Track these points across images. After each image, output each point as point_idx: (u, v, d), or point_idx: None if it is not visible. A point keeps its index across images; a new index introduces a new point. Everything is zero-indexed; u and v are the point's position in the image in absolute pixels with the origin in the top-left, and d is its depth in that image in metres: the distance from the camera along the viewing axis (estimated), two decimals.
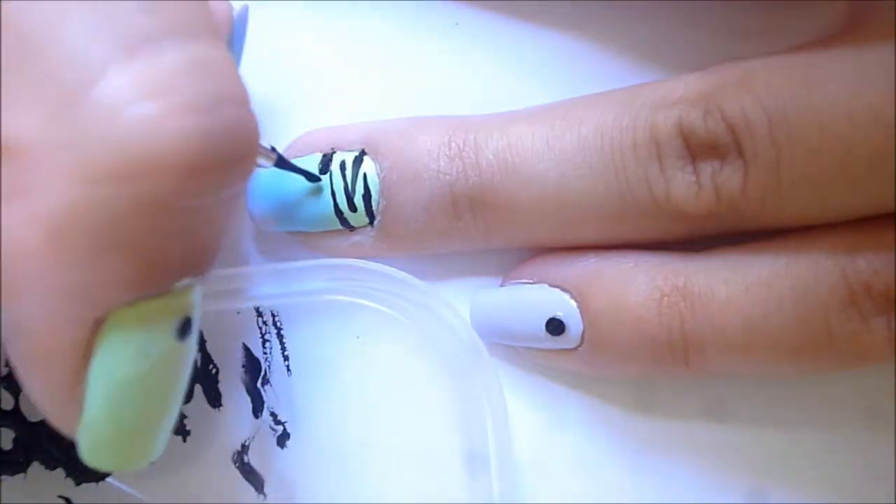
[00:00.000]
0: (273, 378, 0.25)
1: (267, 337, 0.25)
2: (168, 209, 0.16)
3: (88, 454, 0.18)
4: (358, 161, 0.24)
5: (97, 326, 0.16)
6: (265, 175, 0.24)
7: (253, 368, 0.25)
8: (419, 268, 0.25)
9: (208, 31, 0.17)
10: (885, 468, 0.24)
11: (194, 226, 0.17)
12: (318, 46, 0.26)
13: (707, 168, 0.21)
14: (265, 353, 0.25)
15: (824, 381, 0.24)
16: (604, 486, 0.25)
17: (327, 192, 0.24)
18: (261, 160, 0.23)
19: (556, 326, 0.23)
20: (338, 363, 0.25)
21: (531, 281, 0.24)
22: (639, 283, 0.22)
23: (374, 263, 0.24)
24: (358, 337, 0.25)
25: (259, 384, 0.25)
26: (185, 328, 0.18)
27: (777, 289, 0.21)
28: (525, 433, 0.25)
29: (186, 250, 0.17)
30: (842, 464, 0.24)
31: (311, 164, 0.24)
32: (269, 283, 0.25)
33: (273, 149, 0.23)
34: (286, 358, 0.25)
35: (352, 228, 0.24)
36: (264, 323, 0.25)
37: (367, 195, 0.24)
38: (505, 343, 0.25)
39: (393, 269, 0.24)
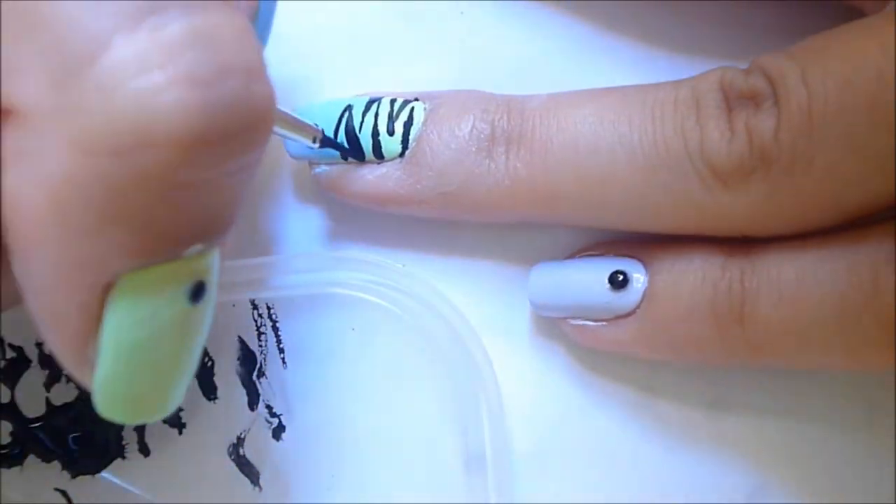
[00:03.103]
0: (269, 371, 0.25)
1: (262, 329, 0.25)
2: (169, 181, 0.16)
3: (102, 408, 0.18)
4: (408, 101, 0.24)
5: (106, 291, 0.17)
6: (306, 107, 0.25)
7: (248, 361, 0.25)
8: (418, 262, 0.25)
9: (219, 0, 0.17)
10: (886, 463, 0.24)
11: (201, 196, 0.17)
12: (320, 36, 0.26)
13: (742, 115, 0.21)
14: (261, 346, 0.25)
15: (825, 375, 0.24)
16: (602, 484, 0.25)
17: (370, 115, 0.24)
18: (307, 139, 0.23)
19: (619, 281, 0.23)
20: (334, 356, 0.25)
21: (594, 253, 0.24)
22: (704, 247, 0.23)
23: (372, 256, 0.24)
24: (354, 329, 0.25)
25: (255, 377, 0.25)
26: (197, 292, 0.18)
27: (829, 247, 0.21)
28: (522, 429, 0.25)
29: (194, 219, 0.17)
30: (842, 458, 0.24)
31: (359, 101, 0.24)
32: (265, 275, 0.25)
33: (322, 131, 0.23)
34: (282, 350, 0.25)
35: (381, 160, 0.24)
36: (260, 315, 0.25)
37: (408, 123, 0.24)
38: (560, 315, 0.24)
39: (390, 261, 0.24)
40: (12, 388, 0.25)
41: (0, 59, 0.16)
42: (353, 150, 0.24)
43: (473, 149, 0.23)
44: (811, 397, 0.24)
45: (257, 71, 0.17)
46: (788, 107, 0.20)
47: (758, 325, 0.22)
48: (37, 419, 0.25)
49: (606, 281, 0.23)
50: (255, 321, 0.25)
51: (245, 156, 0.17)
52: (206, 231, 0.17)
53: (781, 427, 0.24)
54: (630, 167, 0.22)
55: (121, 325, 0.17)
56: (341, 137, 0.24)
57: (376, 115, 0.24)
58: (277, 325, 0.25)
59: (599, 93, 0.23)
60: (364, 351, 0.25)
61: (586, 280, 0.23)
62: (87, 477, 0.25)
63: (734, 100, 0.21)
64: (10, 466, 0.25)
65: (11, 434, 0.25)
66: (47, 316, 0.17)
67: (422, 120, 0.24)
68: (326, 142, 0.24)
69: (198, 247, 0.17)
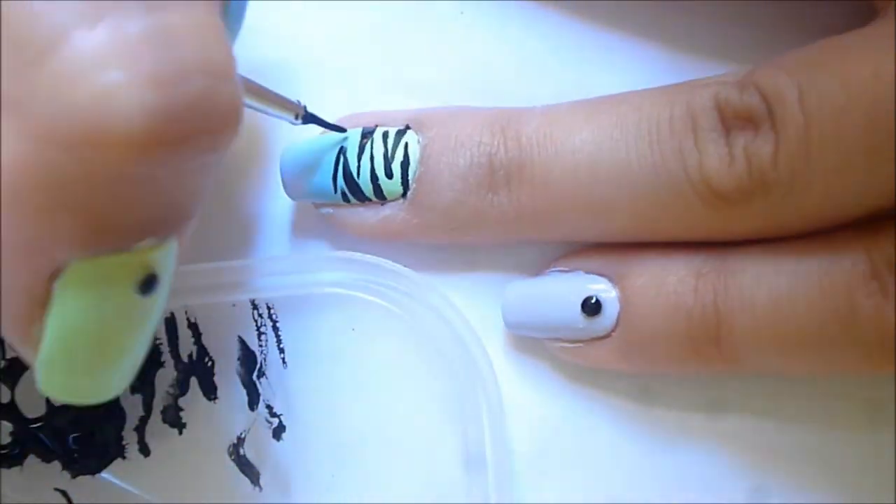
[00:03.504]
0: (269, 371, 0.25)
1: (262, 329, 0.25)
2: (120, 178, 0.16)
3: (42, 386, 0.18)
4: (401, 133, 0.24)
5: (54, 277, 0.17)
6: (298, 147, 0.24)
7: (248, 361, 0.25)
8: (418, 262, 0.25)
9: None
10: (886, 463, 0.24)
11: (155, 191, 0.17)
12: (319, 35, 0.26)
13: (740, 139, 0.21)
14: (261, 346, 0.25)
15: (824, 375, 0.24)
16: (603, 484, 0.25)
17: (366, 159, 0.24)
18: (290, 116, 0.23)
19: (592, 306, 0.23)
20: (334, 356, 0.25)
21: (565, 269, 0.24)
22: (677, 263, 0.23)
23: (371, 256, 0.24)
24: (354, 329, 0.25)
25: (255, 377, 0.25)
26: (147, 284, 0.18)
27: (805, 265, 0.21)
28: (522, 429, 0.25)
29: (147, 213, 0.17)
30: (842, 458, 0.24)
31: (352, 142, 0.24)
32: (265, 275, 0.25)
33: (299, 102, 0.23)
34: (282, 350, 0.25)
35: (384, 200, 0.24)
36: (260, 315, 0.25)
37: (405, 162, 0.24)
38: (536, 336, 0.24)
39: (390, 261, 0.24)
40: (12, 388, 0.25)
41: None
42: (353, 193, 0.24)
43: (475, 185, 0.23)
44: (811, 397, 0.24)
45: (223, 71, 0.17)
46: (786, 132, 0.20)
47: (734, 346, 0.22)
48: (37, 419, 0.24)
49: (579, 306, 0.23)
50: (256, 321, 0.25)
51: (206, 153, 0.17)
52: (160, 225, 0.17)
53: (781, 427, 0.24)
54: (631, 191, 0.22)
55: (66, 311, 0.17)
56: (340, 184, 0.24)
57: (371, 157, 0.24)
58: (277, 325, 0.25)
59: (594, 111, 0.23)
60: (364, 351, 0.25)
61: (559, 305, 0.24)
62: (88, 477, 0.25)
63: (731, 119, 0.21)
64: (10, 466, 0.25)
65: (11, 434, 0.25)
66: None
67: (418, 158, 0.24)
68: (308, 118, 0.23)
69: (150, 240, 0.17)
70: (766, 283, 0.22)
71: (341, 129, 0.24)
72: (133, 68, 0.15)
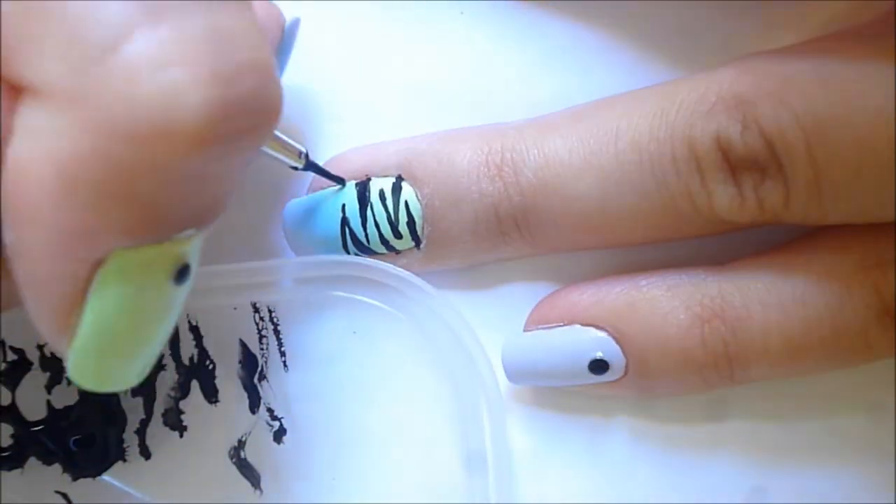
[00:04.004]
0: (270, 374, 0.25)
1: (264, 333, 0.25)
2: (177, 171, 0.16)
3: (73, 374, 0.18)
4: (397, 189, 0.24)
5: (96, 266, 0.17)
6: (299, 212, 0.25)
7: (250, 364, 0.25)
8: None
9: None
10: (886, 463, 0.24)
11: (201, 185, 0.17)
12: (320, 37, 0.26)
13: (748, 181, 0.21)
14: (262, 349, 0.25)
15: (824, 375, 0.24)
16: (602, 484, 0.25)
17: (371, 226, 0.24)
18: (291, 161, 0.23)
19: (599, 366, 0.23)
20: (335, 359, 0.25)
21: (562, 323, 0.24)
22: (677, 313, 0.22)
23: (372, 260, 0.24)
24: (355, 332, 0.25)
25: (256, 380, 0.25)
26: (182, 274, 0.18)
27: (813, 307, 0.21)
28: (522, 429, 0.25)
29: (191, 206, 0.17)
30: (842, 458, 0.24)
31: (352, 212, 0.24)
32: (266, 278, 0.25)
33: (305, 154, 0.23)
34: (283, 354, 0.25)
35: (398, 252, 0.24)
36: (261, 319, 0.25)
37: (411, 222, 0.24)
38: (542, 385, 0.25)
39: (391, 265, 0.24)
40: (13, 391, 0.25)
41: (20, 38, 0.16)
42: (367, 254, 0.25)
43: (485, 233, 0.24)
44: (811, 398, 0.24)
45: (270, 70, 0.17)
46: (796, 183, 0.20)
47: (747, 376, 0.23)
48: (38, 422, 0.25)
49: (586, 367, 0.23)
50: (257, 324, 0.25)
51: (252, 149, 0.18)
52: (200, 217, 0.18)
53: (781, 427, 0.24)
54: (644, 228, 0.23)
55: (106, 298, 0.17)
56: (353, 250, 0.24)
57: (377, 224, 0.24)
58: (279, 328, 0.25)
59: (591, 150, 0.22)
60: (365, 354, 0.25)
61: (564, 366, 0.23)
62: (88, 479, 0.25)
63: (735, 161, 0.21)
64: (10, 469, 0.25)
65: (12, 436, 0.25)
66: (36, 283, 0.17)
67: (421, 216, 0.24)
68: (311, 166, 0.24)
69: (189, 231, 0.18)
70: (776, 329, 0.22)
71: (340, 181, 0.24)
72: (194, 66, 0.16)
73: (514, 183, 0.23)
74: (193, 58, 0.16)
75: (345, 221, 0.24)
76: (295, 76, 0.26)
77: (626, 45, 0.25)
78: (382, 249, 0.24)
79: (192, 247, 0.18)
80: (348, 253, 0.24)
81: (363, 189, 0.24)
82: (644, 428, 0.25)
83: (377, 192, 0.24)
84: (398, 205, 0.24)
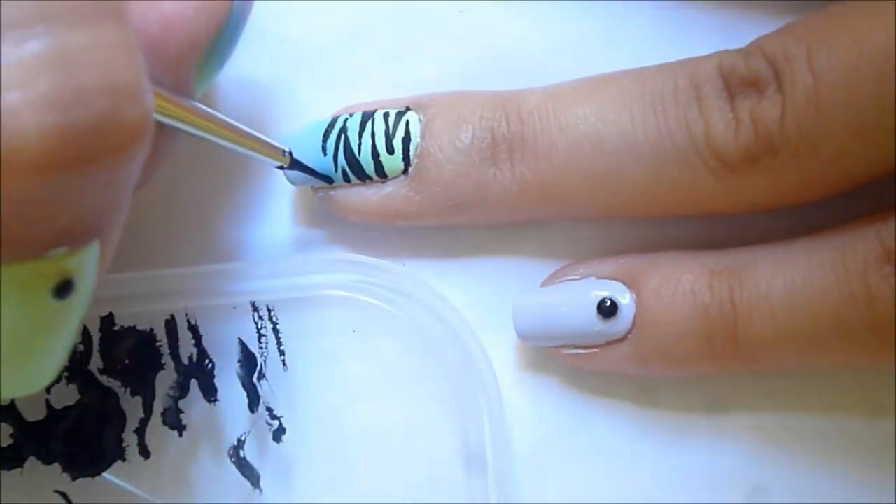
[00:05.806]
0: (269, 373, 0.25)
1: (263, 332, 0.25)
2: (23, 196, 0.16)
3: None
4: (401, 112, 0.24)
5: None
6: (299, 131, 0.25)
7: (249, 363, 0.25)
8: (418, 263, 0.25)
9: (98, 16, 0.16)
10: (886, 463, 0.24)
11: (59, 208, 0.16)
12: (321, 33, 0.26)
13: (745, 104, 0.21)
14: (261, 348, 0.25)
15: (825, 375, 0.24)
16: (602, 484, 0.25)
17: (367, 136, 0.24)
18: (276, 161, 0.23)
19: (608, 308, 0.23)
20: (334, 358, 0.25)
21: (576, 277, 0.24)
22: (690, 263, 0.23)
23: (371, 258, 0.24)
24: (354, 331, 0.25)
25: (255, 379, 0.25)
26: (63, 289, 0.18)
27: (817, 254, 0.22)
28: (522, 429, 0.25)
29: (54, 225, 0.17)
30: (842, 458, 0.24)
31: (353, 122, 0.24)
32: (265, 277, 0.25)
33: (290, 152, 0.23)
34: (282, 353, 0.25)
35: (385, 178, 0.24)
36: (260, 318, 0.25)
37: (406, 138, 0.24)
38: (549, 345, 0.24)
39: (390, 263, 0.24)
40: None
41: None
42: (354, 171, 0.24)
43: (477, 159, 0.24)
44: (811, 397, 0.24)
45: (129, 90, 0.16)
46: (794, 93, 0.20)
47: (751, 342, 0.22)
48: (37, 422, 0.25)
49: (595, 309, 0.23)
50: (256, 323, 0.25)
51: (114, 172, 0.17)
52: (70, 236, 0.17)
53: (781, 427, 0.24)
54: (637, 164, 0.22)
55: None
56: (342, 162, 0.24)
57: (373, 134, 0.24)
58: (278, 327, 0.25)
59: (596, 86, 0.23)
60: (364, 352, 0.25)
61: (574, 310, 0.23)
62: (88, 479, 0.25)
63: (736, 86, 0.21)
64: (10, 468, 0.25)
65: (12, 436, 0.25)
66: None
67: (419, 134, 0.24)
68: (295, 164, 0.24)
69: (63, 249, 0.17)
70: (780, 275, 0.22)
71: (328, 179, 0.24)
72: (30, 89, 0.15)
73: (515, 112, 0.23)
74: (30, 80, 0.15)
75: (343, 130, 0.24)
76: (293, 76, 0.26)
77: (627, 43, 0.25)
78: (371, 167, 0.24)
79: (72, 262, 0.17)
80: (336, 166, 0.24)
81: (368, 115, 0.24)
82: (645, 427, 0.25)
83: (382, 113, 0.24)
84: (399, 122, 0.24)
